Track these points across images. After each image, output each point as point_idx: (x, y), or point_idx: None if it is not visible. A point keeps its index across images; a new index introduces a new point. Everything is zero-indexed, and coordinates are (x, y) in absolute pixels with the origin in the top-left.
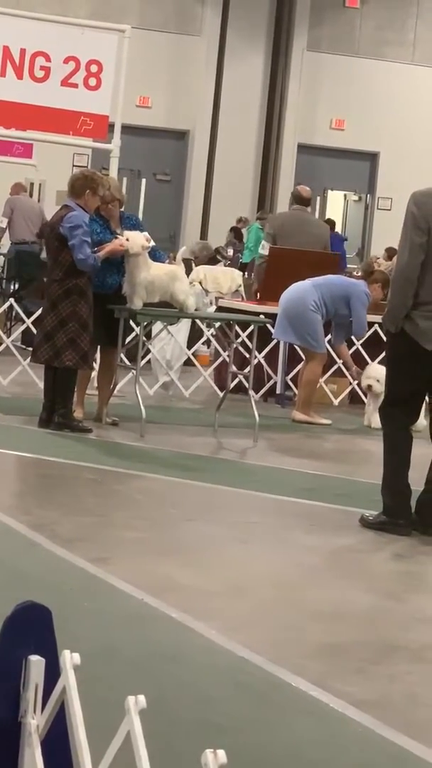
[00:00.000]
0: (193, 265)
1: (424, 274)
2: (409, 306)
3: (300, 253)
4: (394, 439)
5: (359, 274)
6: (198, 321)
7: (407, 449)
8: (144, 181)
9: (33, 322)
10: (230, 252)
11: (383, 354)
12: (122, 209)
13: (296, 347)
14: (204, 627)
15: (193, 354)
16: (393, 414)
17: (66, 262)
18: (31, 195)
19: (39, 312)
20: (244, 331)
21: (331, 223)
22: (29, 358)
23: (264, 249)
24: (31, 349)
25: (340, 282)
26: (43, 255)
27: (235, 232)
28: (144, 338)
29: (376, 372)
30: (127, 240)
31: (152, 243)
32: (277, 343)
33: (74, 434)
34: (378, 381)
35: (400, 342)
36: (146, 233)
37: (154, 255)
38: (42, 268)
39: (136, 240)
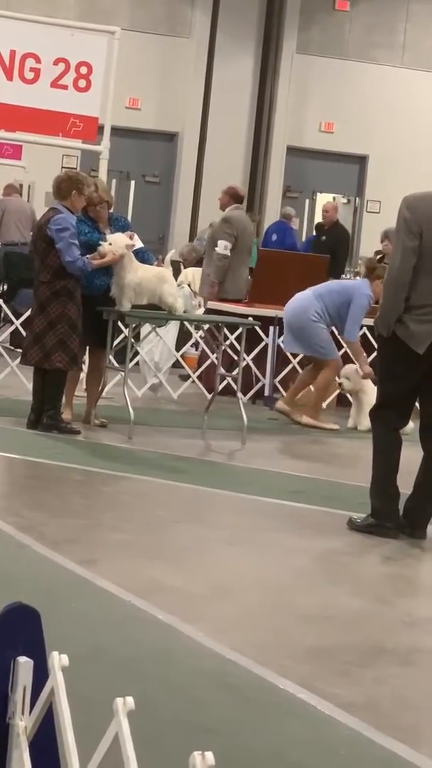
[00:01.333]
0: (182, 267)
1: (416, 278)
2: (401, 310)
3: (288, 255)
4: (384, 442)
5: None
6: (186, 323)
7: (396, 452)
8: (133, 182)
9: (22, 324)
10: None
11: (373, 355)
12: (111, 210)
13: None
14: (191, 629)
15: (181, 356)
16: (383, 417)
17: (54, 263)
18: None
19: (28, 313)
20: (232, 333)
21: (287, 216)
22: (18, 359)
23: (226, 249)
24: (20, 350)
25: (341, 287)
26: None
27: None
28: (132, 340)
29: (346, 371)
30: (110, 244)
31: (139, 243)
32: (266, 346)
33: (62, 436)
34: (348, 379)
35: (391, 345)
36: (134, 233)
37: (143, 257)
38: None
39: (118, 242)
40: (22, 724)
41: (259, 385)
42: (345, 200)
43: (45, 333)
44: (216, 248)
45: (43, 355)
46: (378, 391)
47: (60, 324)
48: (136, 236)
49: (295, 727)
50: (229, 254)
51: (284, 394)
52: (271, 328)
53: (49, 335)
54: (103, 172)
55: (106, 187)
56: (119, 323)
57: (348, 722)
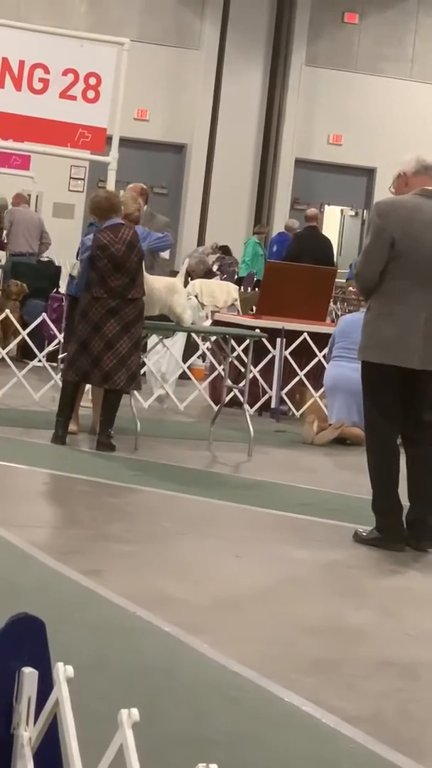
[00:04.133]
0: (189, 278)
1: (386, 283)
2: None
3: (296, 267)
4: (381, 453)
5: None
6: (194, 334)
7: (395, 464)
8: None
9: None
10: (215, 267)
11: None
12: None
13: (293, 364)
14: (196, 641)
15: (188, 367)
16: (376, 423)
17: (141, 281)
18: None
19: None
20: (239, 345)
21: (290, 229)
22: (25, 369)
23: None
24: (27, 360)
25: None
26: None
27: (222, 249)
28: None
29: None
30: None
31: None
32: (273, 358)
33: (88, 450)
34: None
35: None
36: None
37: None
38: (43, 280)
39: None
40: (27, 734)
41: (266, 397)
42: (353, 213)
43: (130, 355)
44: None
45: (128, 377)
46: (364, 400)
47: (140, 345)
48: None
49: (299, 740)
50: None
51: (291, 406)
52: (278, 340)
53: (133, 357)
54: (111, 183)
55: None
56: None
57: (353, 735)
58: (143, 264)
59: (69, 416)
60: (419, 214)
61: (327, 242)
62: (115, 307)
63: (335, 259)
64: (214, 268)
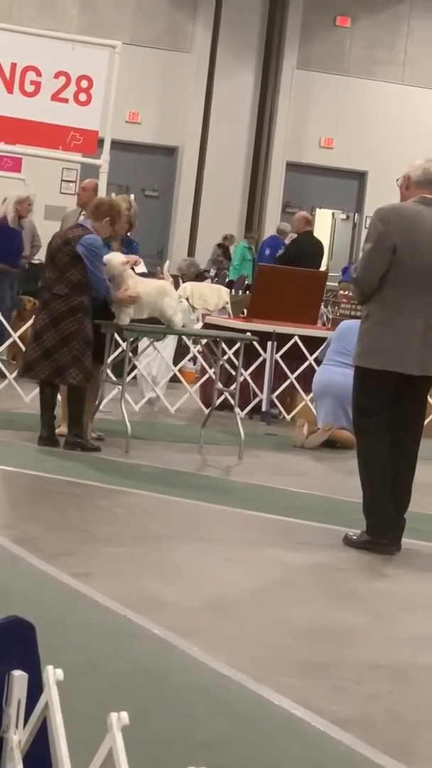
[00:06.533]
0: (180, 281)
1: (385, 289)
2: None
3: (286, 270)
4: (370, 455)
5: (347, 293)
6: (184, 338)
7: (385, 466)
8: (132, 196)
9: (23, 336)
10: (212, 272)
11: None
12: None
13: (284, 367)
14: (186, 644)
15: (179, 370)
16: (367, 426)
17: (74, 279)
18: None
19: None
20: (230, 348)
21: (282, 232)
22: (15, 372)
23: None
24: (15, 362)
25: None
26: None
27: (223, 249)
28: (130, 354)
29: None
30: (105, 266)
31: (143, 269)
32: (263, 361)
33: (78, 453)
34: None
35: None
36: (141, 260)
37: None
38: (33, 282)
39: (113, 261)
40: (16, 737)
41: (257, 400)
42: (344, 216)
43: (57, 348)
44: None
45: (54, 370)
46: (354, 402)
47: (75, 340)
48: (142, 262)
49: (289, 743)
50: None
51: (281, 409)
52: (269, 344)
53: (62, 351)
54: (102, 185)
55: (137, 212)
56: (117, 337)
57: (342, 738)
58: (81, 266)
59: (51, 417)
60: (420, 222)
61: (322, 247)
62: (46, 300)
63: (326, 263)
64: (212, 272)
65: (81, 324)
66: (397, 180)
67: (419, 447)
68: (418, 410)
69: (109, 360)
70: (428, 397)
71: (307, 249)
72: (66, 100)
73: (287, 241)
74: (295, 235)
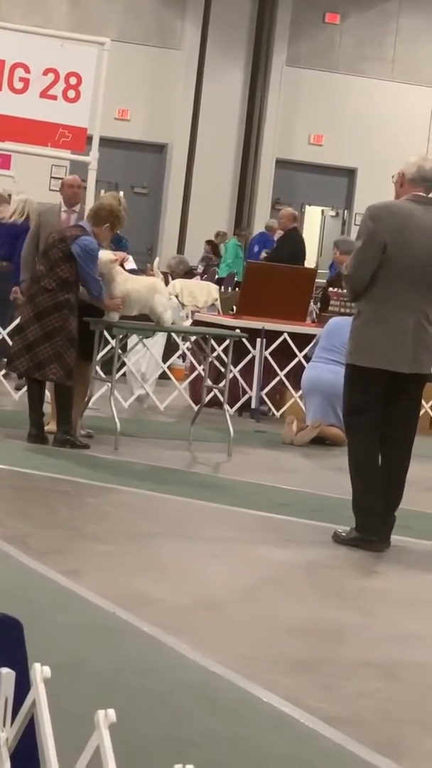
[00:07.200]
0: (170, 278)
1: (376, 286)
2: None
3: (275, 267)
4: (360, 453)
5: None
6: (174, 334)
7: (375, 463)
8: (122, 194)
9: (10, 330)
10: (200, 268)
11: None
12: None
13: (273, 364)
14: (175, 641)
15: (168, 367)
16: (357, 423)
17: (63, 275)
18: None
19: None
20: (219, 345)
21: (270, 229)
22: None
23: None
24: (4, 359)
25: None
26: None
27: (212, 246)
28: (119, 351)
29: None
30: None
31: (132, 266)
32: (253, 358)
33: (68, 450)
34: None
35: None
36: (130, 257)
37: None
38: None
39: (102, 260)
40: (3, 735)
41: (246, 397)
42: (333, 213)
43: (39, 343)
44: None
45: (34, 365)
46: (344, 399)
47: (58, 336)
48: (131, 259)
49: (278, 741)
50: None
51: (271, 406)
52: (258, 341)
53: (44, 346)
54: (91, 183)
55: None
56: (106, 334)
57: (331, 736)
58: (73, 264)
59: (40, 414)
60: (412, 220)
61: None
62: (33, 294)
63: (316, 259)
64: (200, 269)
65: (65, 321)
66: (393, 176)
67: (412, 445)
68: (411, 408)
69: (99, 357)
70: (421, 395)
71: (295, 246)
72: (55, 97)
73: (275, 238)
74: (282, 232)
